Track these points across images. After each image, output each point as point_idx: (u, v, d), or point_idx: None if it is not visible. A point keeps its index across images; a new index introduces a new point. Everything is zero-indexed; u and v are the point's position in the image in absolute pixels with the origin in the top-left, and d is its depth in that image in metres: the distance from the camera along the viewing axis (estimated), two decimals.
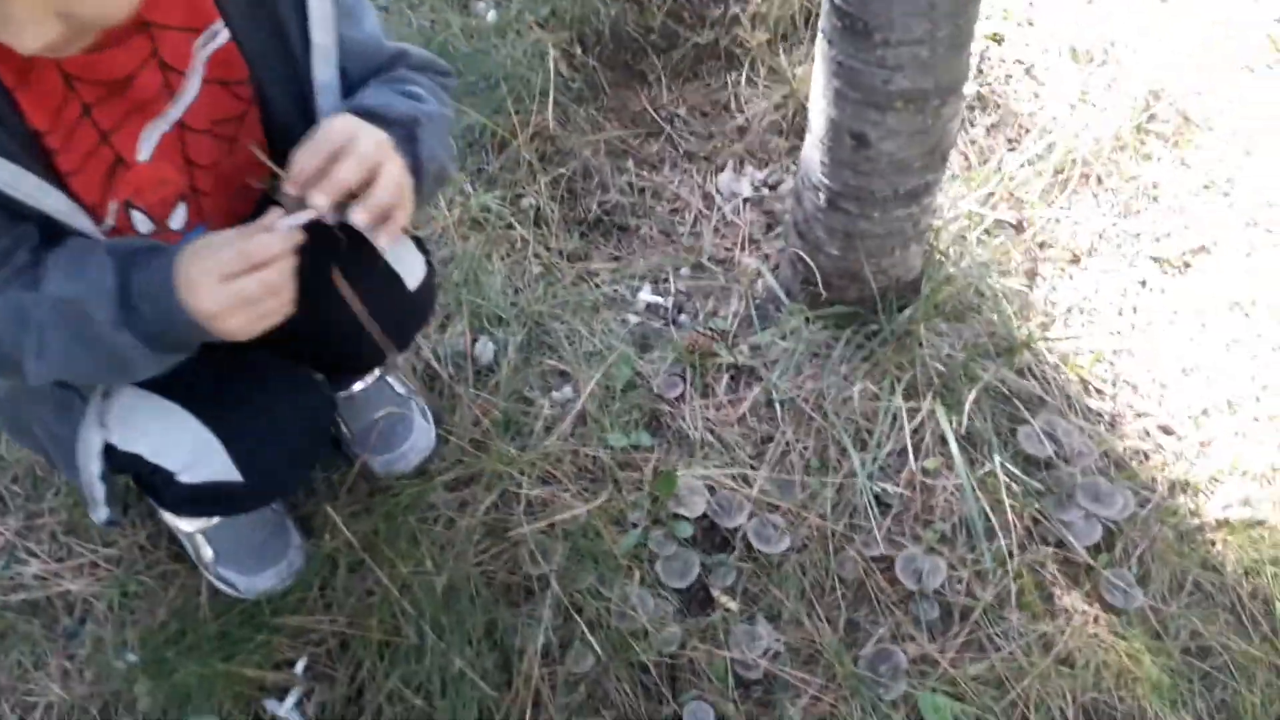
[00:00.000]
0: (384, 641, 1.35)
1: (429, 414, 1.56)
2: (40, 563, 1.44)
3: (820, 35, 1.40)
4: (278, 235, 0.92)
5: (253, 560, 1.38)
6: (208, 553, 1.39)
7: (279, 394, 1.17)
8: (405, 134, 1.02)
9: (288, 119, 1.06)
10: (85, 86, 0.93)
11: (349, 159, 0.92)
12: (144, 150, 1.01)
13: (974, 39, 1.37)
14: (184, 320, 0.91)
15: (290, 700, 1.32)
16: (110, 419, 1.10)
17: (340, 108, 1.04)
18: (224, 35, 1.01)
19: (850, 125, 1.42)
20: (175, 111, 1.01)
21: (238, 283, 0.90)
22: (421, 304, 1.28)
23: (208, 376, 1.09)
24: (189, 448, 1.10)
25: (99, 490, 1.14)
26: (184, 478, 1.11)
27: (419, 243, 1.26)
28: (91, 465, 1.11)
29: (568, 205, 1.97)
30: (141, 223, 1.04)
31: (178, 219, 1.08)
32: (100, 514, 1.17)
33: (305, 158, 0.93)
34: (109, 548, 1.44)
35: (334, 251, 1.03)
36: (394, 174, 0.96)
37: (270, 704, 1.32)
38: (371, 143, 0.95)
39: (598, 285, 1.85)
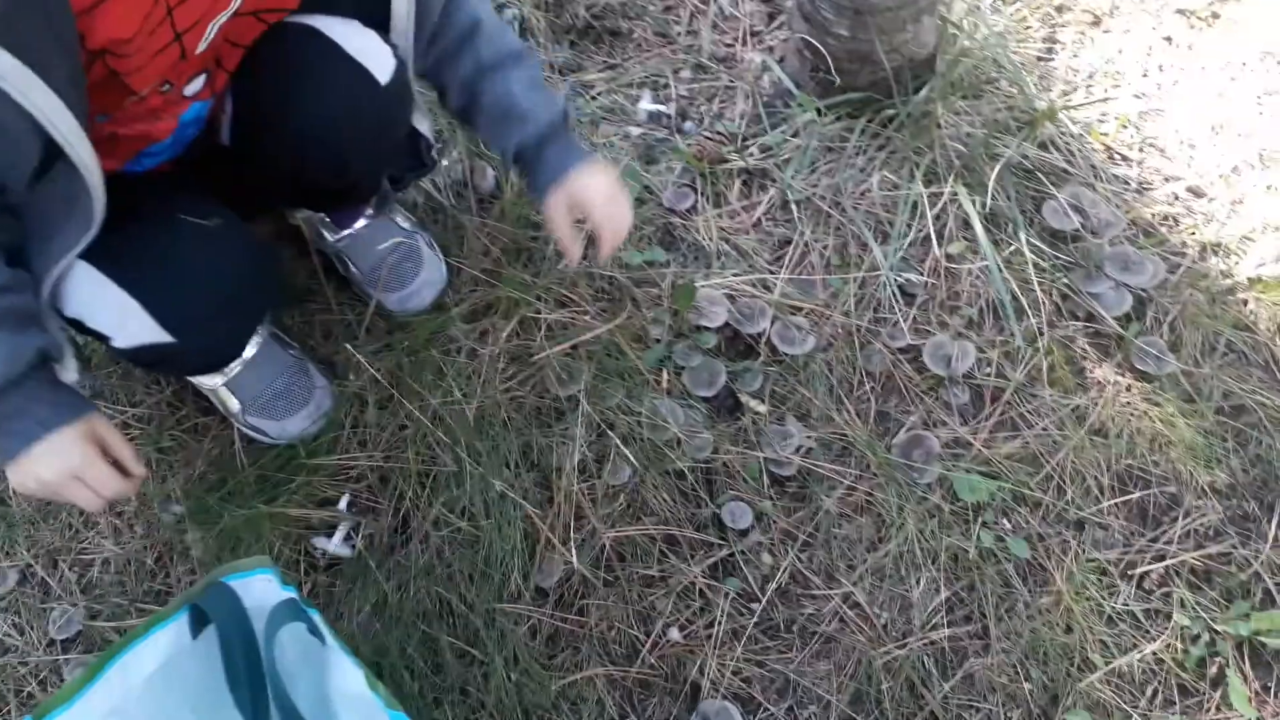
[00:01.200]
0: (422, 471, 1.36)
1: (437, 247, 1.53)
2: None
3: None
4: (113, 484, 1.07)
5: (279, 406, 1.38)
6: (234, 404, 1.39)
7: (196, 249, 1.13)
8: (565, 125, 1.25)
9: None
10: None
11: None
12: (204, 43, 1.03)
13: None
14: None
15: (339, 535, 1.35)
16: (57, 285, 1.08)
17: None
18: None
19: None
20: (239, 3, 1.03)
21: (52, 496, 1.06)
22: (396, 99, 1.20)
23: (128, 238, 1.07)
24: (113, 312, 1.09)
25: (67, 353, 1.11)
26: (117, 342, 1.11)
27: (383, 36, 1.17)
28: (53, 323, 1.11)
29: (554, 12, 1.86)
30: (163, 92, 1.06)
31: (193, 87, 1.10)
32: (68, 375, 1.13)
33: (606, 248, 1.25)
34: (136, 407, 1.45)
35: (299, 55, 1.12)
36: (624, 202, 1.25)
37: (319, 540, 1.35)
38: (615, 195, 1.24)
39: (594, 98, 1.77)
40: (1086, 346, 1.44)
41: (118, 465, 1.08)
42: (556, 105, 1.26)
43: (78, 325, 1.12)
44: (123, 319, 1.09)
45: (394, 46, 1.17)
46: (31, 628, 1.33)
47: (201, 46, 1.04)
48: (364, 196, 1.43)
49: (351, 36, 1.14)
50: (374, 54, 1.15)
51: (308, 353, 1.45)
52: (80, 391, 1.12)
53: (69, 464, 1.04)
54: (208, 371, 1.36)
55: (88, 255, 1.07)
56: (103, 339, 1.12)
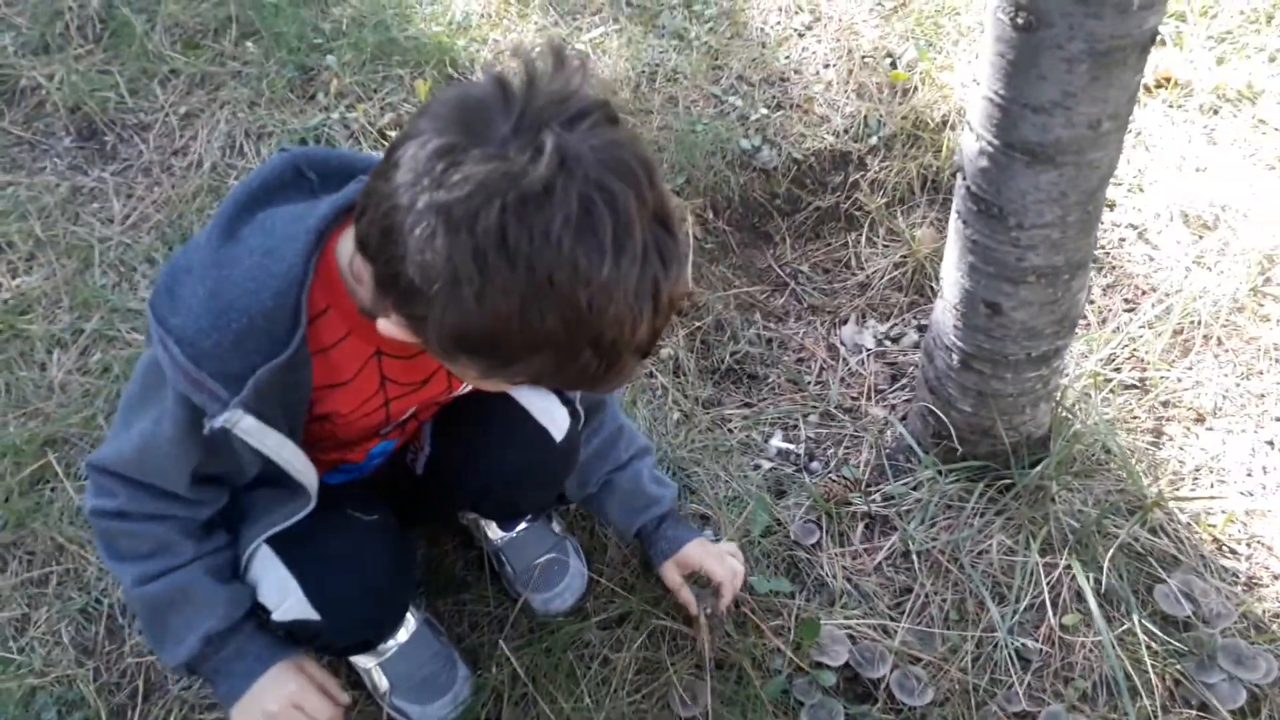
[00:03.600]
0: None
1: (582, 554, 1.67)
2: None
3: (955, 215, 1.52)
4: (328, 710, 1.27)
5: (424, 691, 1.48)
6: (383, 684, 1.49)
7: (351, 539, 1.30)
8: (676, 509, 1.58)
9: None
10: (392, 385, 1.18)
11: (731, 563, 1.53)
12: (406, 416, 1.28)
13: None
14: (220, 697, 1.24)
15: None
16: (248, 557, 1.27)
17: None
18: None
19: (984, 295, 1.53)
20: (445, 399, 1.30)
21: None
22: (566, 454, 1.41)
23: (303, 526, 1.24)
24: (277, 587, 1.24)
25: None
26: (276, 615, 1.25)
27: (561, 395, 1.40)
28: None
29: (702, 355, 2.10)
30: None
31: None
32: None
33: (728, 596, 1.52)
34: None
35: (490, 415, 1.34)
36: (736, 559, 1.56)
37: None
38: (724, 555, 1.54)
39: (731, 431, 1.96)
40: None
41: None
42: (671, 492, 1.57)
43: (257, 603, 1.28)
44: (283, 595, 1.24)
45: (570, 404, 1.39)
46: None
47: (405, 417, 1.28)
48: (528, 514, 1.62)
49: (534, 398, 1.37)
50: (553, 415, 1.38)
51: (454, 641, 1.57)
52: None
53: (290, 693, 1.22)
54: (351, 653, 1.49)
55: (272, 539, 1.25)
56: (265, 611, 1.26)
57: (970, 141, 1.40)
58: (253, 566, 1.25)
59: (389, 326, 0.93)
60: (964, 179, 1.45)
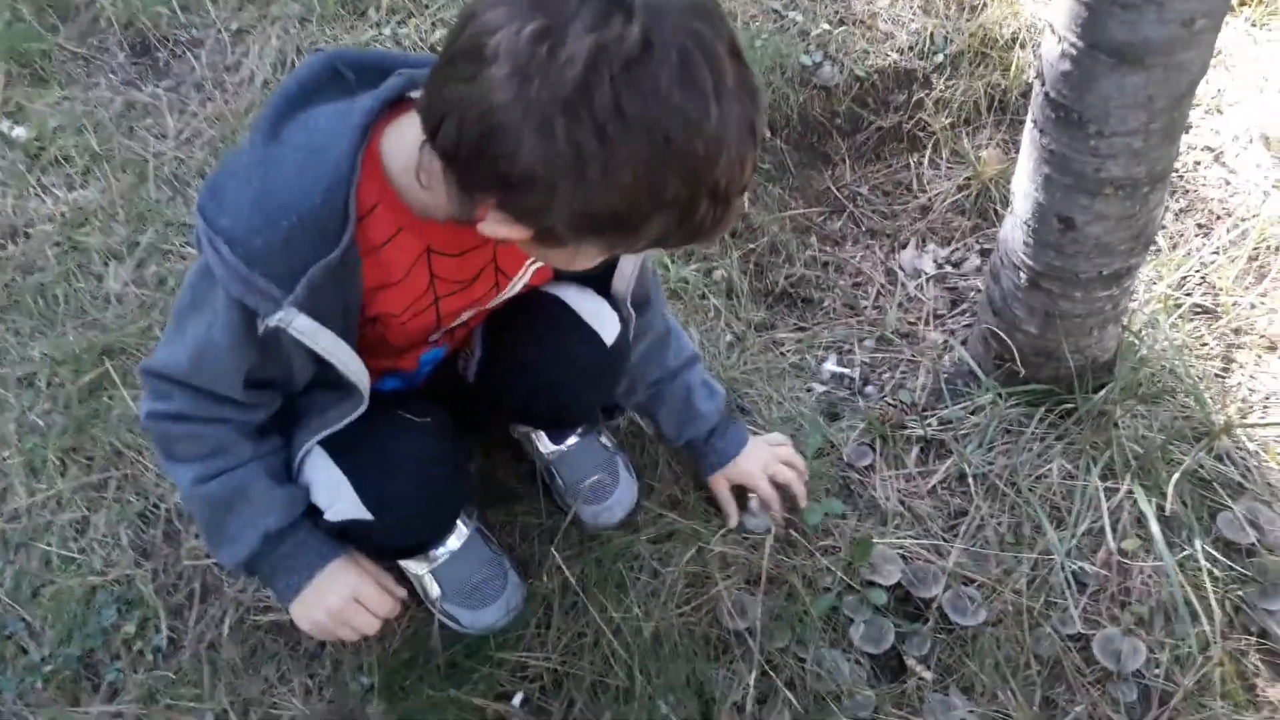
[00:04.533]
0: (595, 682, 1.43)
1: (633, 469, 1.66)
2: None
3: (1030, 123, 1.46)
4: (388, 603, 1.30)
5: (476, 598, 1.49)
6: (434, 590, 1.50)
7: (404, 440, 1.29)
8: (729, 417, 1.57)
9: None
10: (441, 283, 1.16)
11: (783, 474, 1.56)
12: (458, 322, 1.28)
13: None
14: (279, 595, 1.26)
15: None
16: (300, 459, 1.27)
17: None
18: None
19: (1058, 209, 1.47)
20: (493, 303, 1.28)
21: (338, 627, 1.26)
22: (618, 357, 1.39)
23: (355, 427, 1.23)
24: (329, 488, 1.24)
25: None
26: (328, 515, 1.25)
27: (614, 302, 1.37)
28: None
29: (755, 278, 2.07)
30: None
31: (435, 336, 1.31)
32: None
33: (766, 493, 1.55)
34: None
35: (541, 319, 1.33)
36: (796, 460, 1.59)
37: None
38: (773, 459, 1.56)
39: (784, 354, 1.93)
40: (1259, 663, 1.44)
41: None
42: (719, 404, 1.56)
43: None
44: (335, 495, 1.24)
45: (621, 310, 1.37)
46: None
47: (455, 323, 1.27)
48: (579, 424, 1.60)
49: (584, 300, 1.35)
50: (604, 318, 1.35)
51: (505, 550, 1.57)
52: None
53: (350, 586, 1.25)
54: (403, 556, 1.49)
55: (325, 441, 1.25)
56: (318, 512, 1.26)
57: (1052, 45, 1.33)
58: (305, 468, 1.26)
59: (493, 227, 0.91)
60: (1043, 85, 1.38)
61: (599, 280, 1.35)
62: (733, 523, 1.58)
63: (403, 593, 1.32)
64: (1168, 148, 1.38)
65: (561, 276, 1.36)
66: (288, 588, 1.25)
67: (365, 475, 1.24)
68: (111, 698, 1.51)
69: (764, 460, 1.56)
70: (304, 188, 0.99)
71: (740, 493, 1.58)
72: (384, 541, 1.31)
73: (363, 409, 1.21)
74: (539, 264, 1.26)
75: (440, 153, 0.89)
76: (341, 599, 1.25)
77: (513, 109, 0.80)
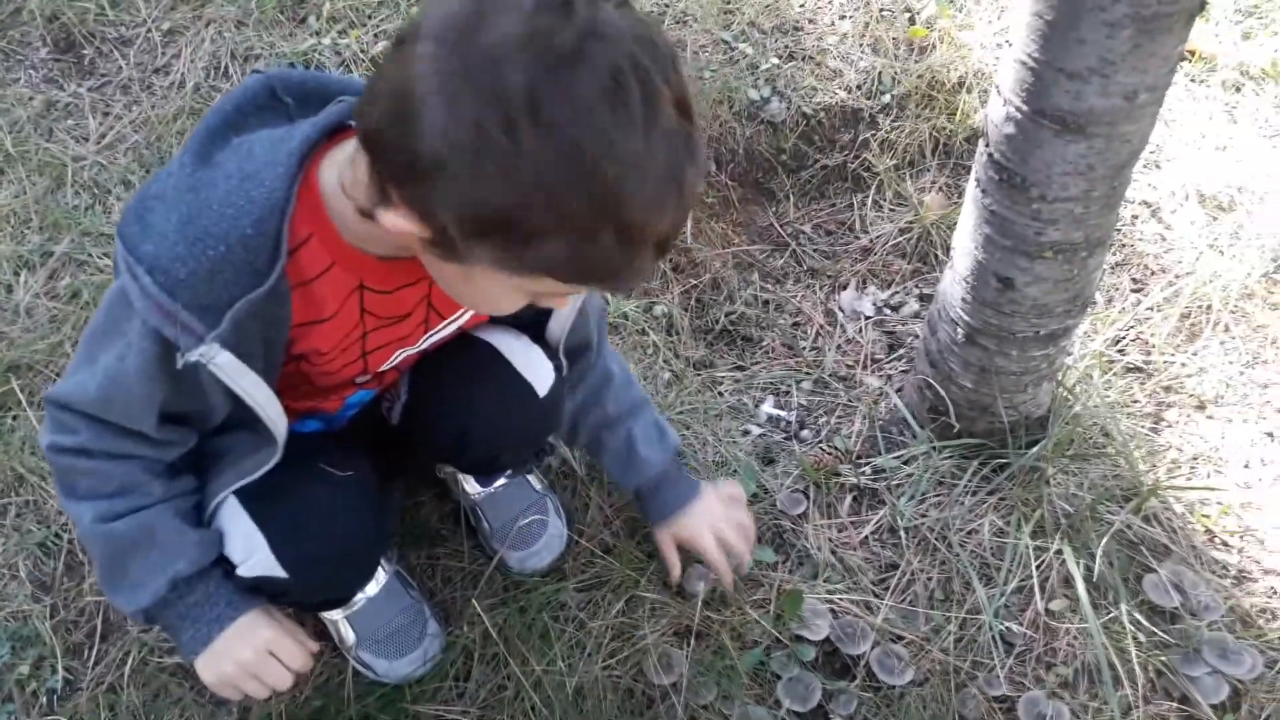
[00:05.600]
0: None
1: (563, 512, 1.62)
2: None
3: (973, 183, 1.46)
4: (303, 656, 1.23)
5: (392, 646, 1.44)
6: (350, 636, 1.45)
7: (324, 497, 1.23)
8: (680, 465, 1.51)
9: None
10: (371, 319, 1.10)
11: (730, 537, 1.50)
12: (386, 365, 1.21)
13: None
14: (184, 645, 1.18)
15: None
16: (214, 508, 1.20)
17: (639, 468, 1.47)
18: None
19: (997, 269, 1.47)
20: (423, 344, 1.22)
21: (246, 681, 1.19)
22: (551, 408, 1.34)
23: (272, 479, 1.17)
24: (243, 542, 1.18)
25: None
26: (241, 571, 1.18)
27: (548, 349, 1.33)
28: None
29: (696, 314, 2.04)
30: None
31: (362, 379, 1.25)
32: None
33: (712, 560, 1.49)
34: None
35: (469, 364, 1.27)
36: (746, 522, 1.53)
37: None
38: (722, 518, 1.49)
39: (721, 394, 1.91)
40: None
41: None
42: (669, 450, 1.49)
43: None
44: (249, 550, 1.18)
45: (556, 359, 1.32)
46: None
47: (384, 367, 1.22)
48: (508, 469, 1.56)
49: (517, 347, 1.30)
50: (537, 367, 1.30)
51: (426, 596, 1.52)
52: None
53: (264, 640, 1.18)
54: (317, 610, 1.44)
55: (239, 490, 1.18)
56: (230, 565, 1.19)
57: (997, 107, 1.33)
58: (219, 517, 1.19)
59: (395, 220, 0.85)
60: (986, 146, 1.38)
61: (533, 326, 1.31)
62: (674, 577, 1.53)
63: (316, 646, 1.26)
64: (1108, 215, 1.38)
65: (495, 321, 1.31)
66: (194, 639, 1.18)
67: (281, 532, 1.17)
68: None
69: (712, 520, 1.49)
70: (235, 216, 0.93)
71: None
72: (298, 599, 1.25)
73: (276, 458, 1.15)
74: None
75: (362, 141, 0.85)
76: (254, 652, 1.18)
77: (427, 79, 0.77)
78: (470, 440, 1.31)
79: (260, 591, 1.21)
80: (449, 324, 1.22)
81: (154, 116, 2.19)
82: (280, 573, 1.17)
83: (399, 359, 1.23)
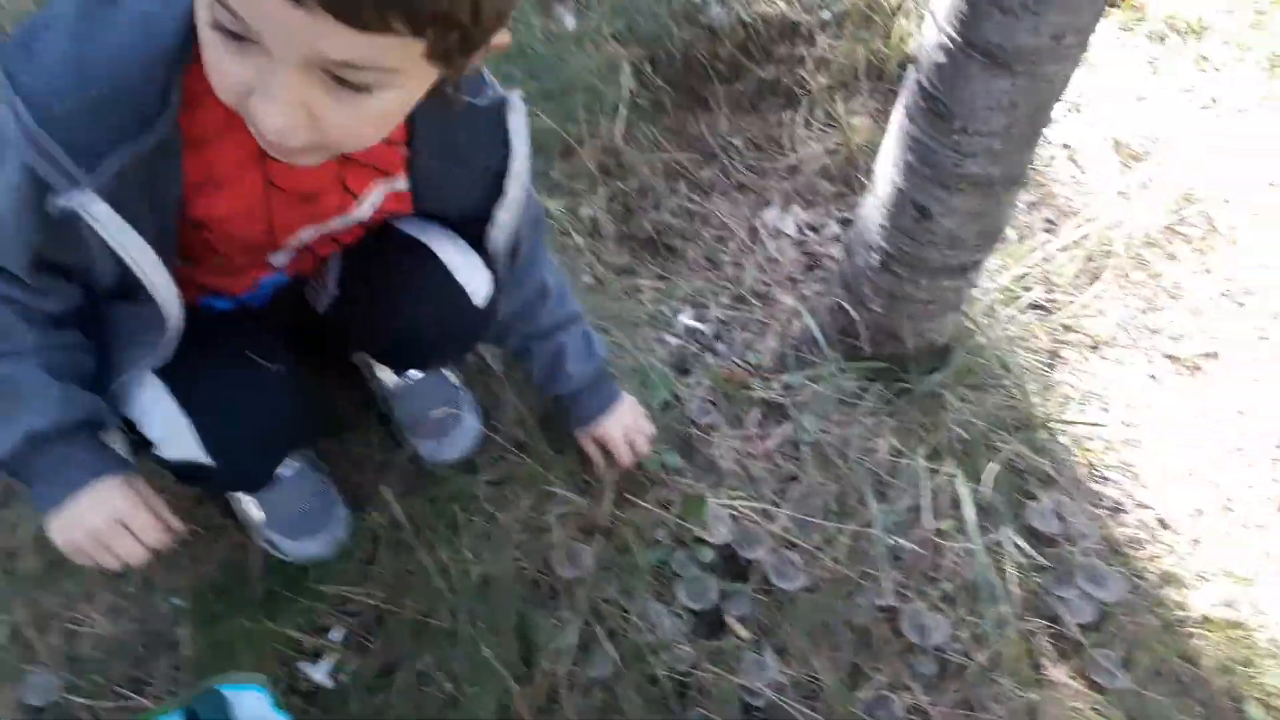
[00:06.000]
0: (418, 621, 1.42)
1: (478, 407, 1.63)
2: None
3: (900, 109, 1.48)
4: (156, 532, 1.16)
5: (300, 526, 1.45)
6: (256, 515, 1.45)
7: (253, 387, 1.21)
8: (604, 375, 1.52)
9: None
10: (277, 193, 1.06)
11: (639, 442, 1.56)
12: (294, 240, 1.15)
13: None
14: (36, 502, 1.12)
15: (325, 665, 1.39)
16: (122, 386, 1.15)
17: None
18: (402, 184, 1.14)
19: (915, 197, 1.50)
20: (336, 225, 1.16)
21: (97, 550, 1.13)
22: (485, 318, 1.31)
23: (197, 362, 1.14)
24: (166, 425, 1.15)
25: (118, 442, 1.21)
26: (163, 453, 1.17)
27: (487, 260, 1.29)
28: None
29: (622, 220, 2.04)
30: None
31: (278, 260, 1.21)
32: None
33: (624, 457, 1.54)
34: (160, 494, 1.50)
35: (405, 267, 1.23)
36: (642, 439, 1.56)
37: (305, 666, 1.38)
38: (637, 423, 1.55)
39: (642, 302, 1.93)
40: (1048, 645, 1.55)
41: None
42: (595, 363, 1.50)
43: (130, 426, 1.18)
44: (173, 434, 1.15)
45: (494, 270, 1.28)
46: (9, 689, 1.34)
47: (291, 242, 1.16)
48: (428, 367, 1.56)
49: (455, 256, 1.25)
50: (474, 276, 1.26)
51: (336, 480, 1.53)
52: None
53: (116, 509, 1.11)
54: (235, 491, 1.44)
55: (159, 368, 1.15)
56: (148, 445, 1.17)
57: (931, 34, 1.34)
58: (136, 396, 1.14)
59: None
60: (917, 72, 1.40)
61: (471, 232, 1.26)
62: (599, 469, 1.58)
63: (179, 526, 1.20)
64: (1024, 153, 1.42)
65: (423, 214, 1.26)
66: (44, 496, 1.12)
67: (209, 420, 1.15)
68: None
69: (627, 425, 1.55)
70: (124, 59, 0.87)
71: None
72: (218, 482, 1.24)
73: (168, 336, 1.09)
74: (386, 189, 1.16)
75: None
76: (104, 520, 1.12)
77: None
78: (401, 344, 1.31)
79: (177, 473, 1.20)
80: (363, 201, 1.16)
81: None
82: (205, 459, 1.15)
83: (309, 237, 1.17)
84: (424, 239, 1.24)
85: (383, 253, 1.25)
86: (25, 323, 1.07)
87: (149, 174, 0.93)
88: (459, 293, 1.24)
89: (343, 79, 0.76)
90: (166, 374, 1.14)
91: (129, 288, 1.04)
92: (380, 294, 1.25)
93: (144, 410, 1.15)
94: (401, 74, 0.78)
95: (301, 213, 1.12)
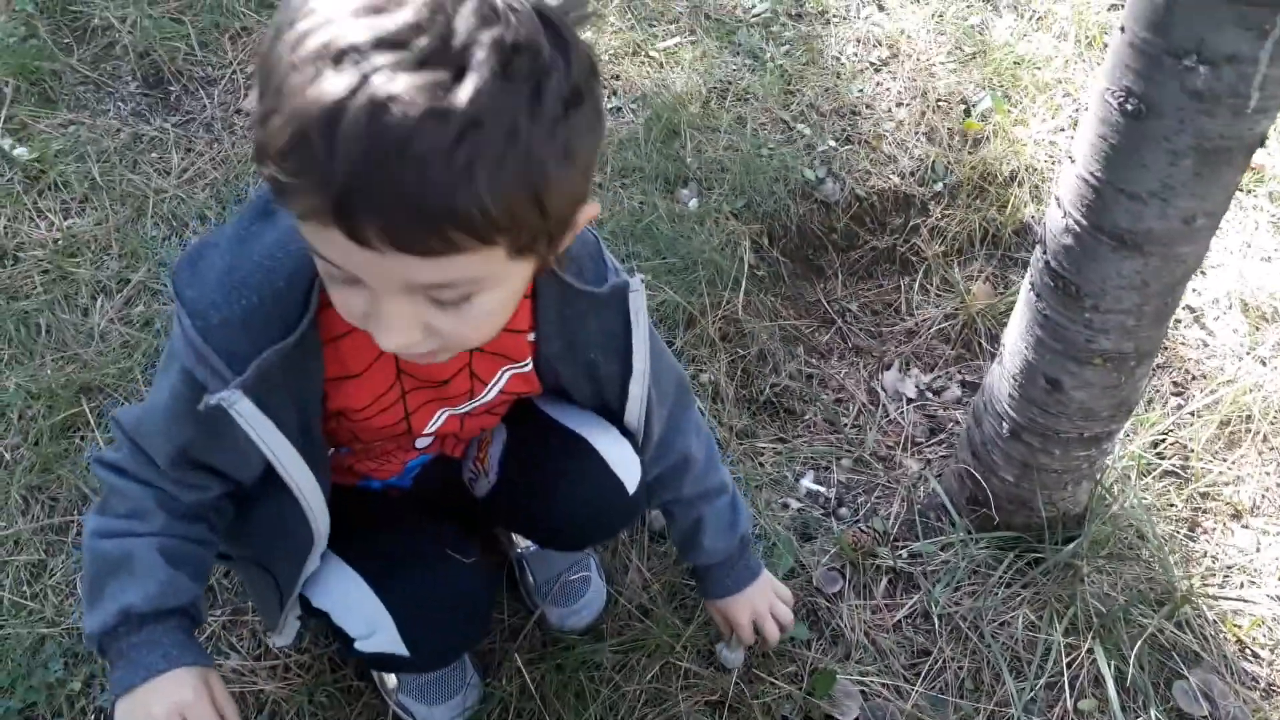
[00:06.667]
0: None
1: (603, 572, 1.66)
2: (239, 658, 1.55)
3: (1028, 286, 1.50)
4: None
5: (433, 692, 1.47)
6: (391, 681, 1.48)
7: (448, 580, 1.26)
8: (743, 552, 1.48)
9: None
10: (409, 379, 1.13)
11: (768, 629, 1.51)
12: (431, 425, 1.22)
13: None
14: (113, 685, 1.09)
15: None
16: (312, 579, 1.21)
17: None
18: (528, 366, 1.20)
19: (1046, 370, 1.51)
20: (468, 407, 1.22)
21: None
22: (637, 505, 1.34)
23: (395, 558, 1.21)
24: (365, 620, 1.20)
25: (291, 629, 1.27)
26: (360, 645, 1.21)
27: (629, 435, 1.32)
28: (291, 610, 1.25)
29: (742, 384, 2.08)
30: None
31: (422, 443, 1.28)
32: (280, 642, 1.32)
33: (746, 639, 1.50)
34: (302, 654, 1.55)
35: (563, 456, 1.28)
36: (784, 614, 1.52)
37: None
38: (768, 604, 1.50)
39: (762, 465, 1.95)
40: None
41: None
42: (736, 539, 1.47)
43: (322, 616, 1.23)
44: (373, 628, 1.20)
45: (641, 456, 1.32)
46: None
47: (429, 428, 1.22)
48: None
49: (610, 448, 1.29)
50: (627, 465, 1.30)
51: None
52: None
53: (181, 701, 1.08)
54: (418, 673, 1.47)
55: (356, 561, 1.21)
56: (343, 638, 1.22)
57: (1056, 218, 1.38)
58: (326, 589, 1.20)
59: None
60: (1043, 253, 1.43)
61: (611, 409, 1.30)
62: (725, 636, 1.55)
63: None
64: (1158, 329, 1.42)
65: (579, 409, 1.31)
66: (120, 680, 1.09)
67: (410, 616, 1.20)
68: None
69: (757, 605, 1.50)
70: (270, 269, 0.96)
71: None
72: (399, 669, 1.28)
73: (318, 541, 1.15)
74: (512, 371, 1.21)
75: None
76: (166, 710, 1.07)
77: None
78: (558, 531, 1.36)
79: (368, 662, 1.24)
80: (491, 387, 1.20)
81: (233, 155, 2.28)
82: (403, 651, 1.20)
83: (442, 420, 1.23)
84: (581, 431, 1.29)
85: (544, 444, 1.30)
86: (159, 507, 1.11)
87: (292, 372, 1.01)
88: (615, 484, 1.28)
89: (440, 298, 0.83)
90: (367, 571, 1.20)
91: (273, 483, 1.10)
92: (539, 485, 1.31)
93: (339, 605, 1.21)
94: (492, 278, 0.82)
95: (433, 397, 1.19)
